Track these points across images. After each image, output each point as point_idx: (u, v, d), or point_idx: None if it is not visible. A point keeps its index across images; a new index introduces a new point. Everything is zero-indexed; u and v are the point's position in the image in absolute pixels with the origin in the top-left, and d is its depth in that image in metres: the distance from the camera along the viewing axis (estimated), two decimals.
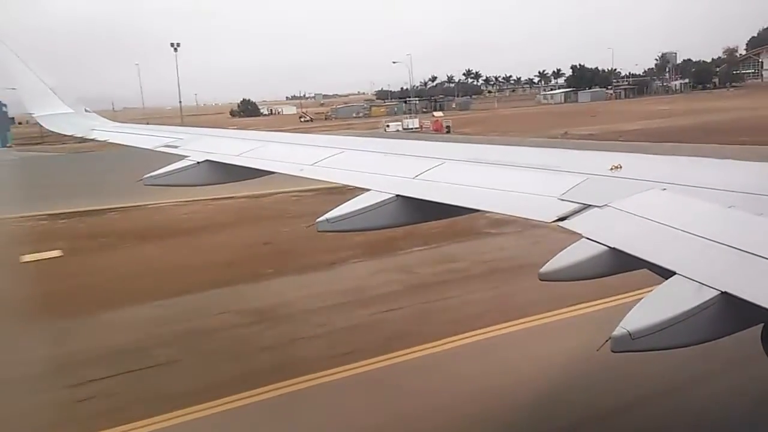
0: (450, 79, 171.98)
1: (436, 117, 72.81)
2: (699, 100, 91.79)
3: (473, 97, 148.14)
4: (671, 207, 3.47)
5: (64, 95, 10.42)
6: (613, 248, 3.15)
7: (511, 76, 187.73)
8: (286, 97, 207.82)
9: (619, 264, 3.18)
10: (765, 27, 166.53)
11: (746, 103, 73.60)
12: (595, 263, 3.17)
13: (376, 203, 4.62)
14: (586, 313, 10.26)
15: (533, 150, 5.42)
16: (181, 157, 7.22)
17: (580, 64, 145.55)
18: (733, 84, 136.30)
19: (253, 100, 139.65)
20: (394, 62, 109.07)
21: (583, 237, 3.32)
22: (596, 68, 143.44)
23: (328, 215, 4.61)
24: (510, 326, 10.16)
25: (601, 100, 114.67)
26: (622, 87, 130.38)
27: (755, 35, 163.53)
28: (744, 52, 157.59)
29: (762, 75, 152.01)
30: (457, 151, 5.69)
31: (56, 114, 10.27)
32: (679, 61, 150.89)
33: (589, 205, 3.68)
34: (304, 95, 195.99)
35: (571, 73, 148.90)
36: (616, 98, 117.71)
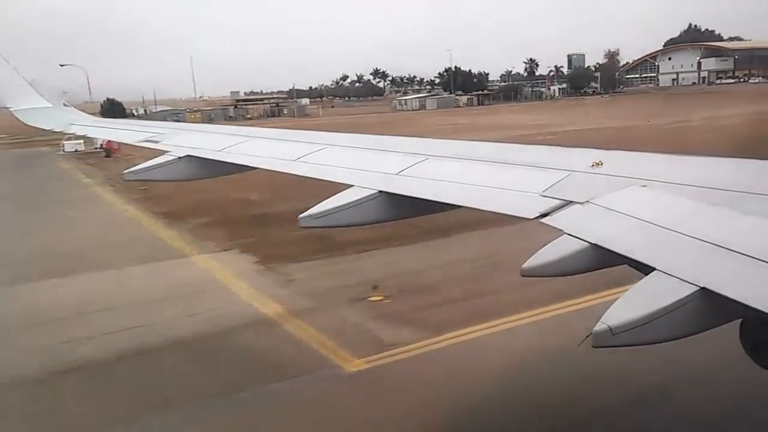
0: (359, 79, 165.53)
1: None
2: (535, 110, 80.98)
3: (373, 98, 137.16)
4: (651, 203, 3.49)
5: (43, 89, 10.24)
6: (594, 244, 3.17)
7: (415, 77, 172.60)
8: (244, 93, 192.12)
9: (600, 260, 3.19)
10: (685, 29, 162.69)
11: (562, 116, 62.98)
12: (576, 259, 3.18)
13: (359, 199, 4.59)
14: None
15: (516, 146, 5.43)
16: (163, 152, 7.14)
17: (456, 67, 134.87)
18: (616, 90, 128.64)
19: (119, 100, 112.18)
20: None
21: (564, 233, 3.34)
22: (469, 71, 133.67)
23: (310, 211, 4.57)
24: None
25: (449, 107, 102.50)
26: (474, 93, 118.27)
27: (675, 36, 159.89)
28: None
29: (658, 80, 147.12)
30: (441, 147, 5.68)
31: (34, 108, 10.09)
32: (590, 64, 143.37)
33: (571, 202, 3.70)
34: (261, 91, 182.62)
35: (445, 77, 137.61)
36: (470, 105, 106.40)
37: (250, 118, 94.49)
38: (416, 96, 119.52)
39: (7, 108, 10.04)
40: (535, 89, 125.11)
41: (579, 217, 3.51)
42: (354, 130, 8.32)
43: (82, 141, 46.48)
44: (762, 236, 2.90)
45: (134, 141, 8.30)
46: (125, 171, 6.89)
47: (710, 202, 3.29)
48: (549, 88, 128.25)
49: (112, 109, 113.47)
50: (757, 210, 3.10)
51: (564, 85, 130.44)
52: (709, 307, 2.63)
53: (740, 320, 3.31)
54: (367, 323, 10.78)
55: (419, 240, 15.49)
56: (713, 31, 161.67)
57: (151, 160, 6.94)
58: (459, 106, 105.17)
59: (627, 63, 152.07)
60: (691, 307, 2.61)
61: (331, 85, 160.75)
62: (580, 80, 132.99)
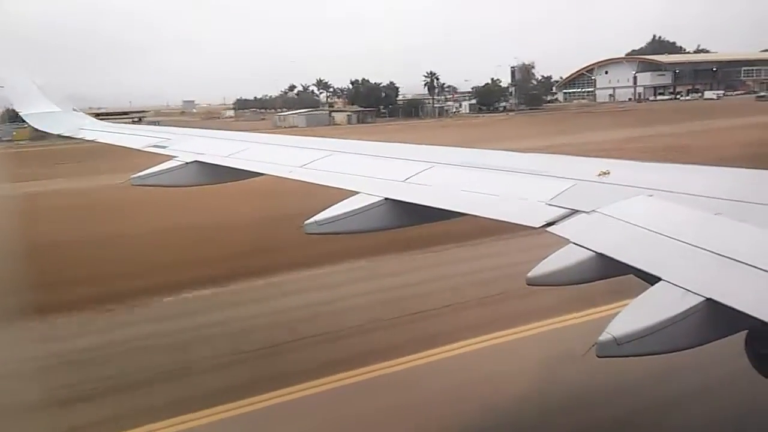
0: (305, 88, 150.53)
1: None
2: (388, 131, 68.67)
3: (310, 110, 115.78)
4: (658, 213, 3.48)
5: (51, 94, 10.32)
6: (600, 254, 3.16)
7: None
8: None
9: (606, 269, 3.19)
10: (649, 41, 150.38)
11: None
12: (582, 268, 3.18)
13: (365, 206, 4.60)
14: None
15: (522, 155, 5.43)
16: (170, 158, 7.17)
17: (363, 79, 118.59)
18: (534, 107, 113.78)
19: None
20: None
21: (570, 242, 3.33)
22: (375, 84, 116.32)
23: (316, 217, 4.58)
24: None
25: (321, 124, 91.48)
26: (356, 110, 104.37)
27: (636, 48, 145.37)
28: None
29: (595, 95, 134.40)
30: (446, 155, 5.69)
31: (44, 113, 10.16)
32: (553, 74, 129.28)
33: (577, 211, 3.69)
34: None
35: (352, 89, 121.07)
36: (349, 123, 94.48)
37: None
38: (293, 112, 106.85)
39: (18, 112, 10.12)
40: (437, 105, 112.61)
41: (585, 227, 3.51)
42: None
43: None
44: None
45: (141, 146, 8.33)
46: (133, 176, 6.93)
47: (717, 212, 3.28)
48: (457, 104, 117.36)
49: (17, 117, 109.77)
50: (763, 220, 3.10)
51: (473, 101, 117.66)
52: (715, 318, 2.62)
53: (746, 331, 3.30)
54: None
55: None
56: (674, 42, 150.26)
57: (158, 166, 6.97)
58: (335, 124, 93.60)
59: (543, 77, 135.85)
60: (697, 318, 2.60)
61: (277, 95, 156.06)
62: (488, 96, 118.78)
